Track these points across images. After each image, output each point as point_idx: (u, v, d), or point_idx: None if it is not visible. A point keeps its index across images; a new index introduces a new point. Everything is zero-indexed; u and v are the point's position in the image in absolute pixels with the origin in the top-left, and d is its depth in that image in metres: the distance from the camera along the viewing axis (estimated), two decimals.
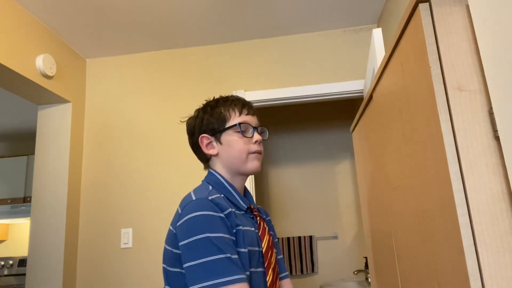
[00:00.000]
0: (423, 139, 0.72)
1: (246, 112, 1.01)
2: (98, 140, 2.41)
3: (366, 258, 2.86)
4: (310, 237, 3.14)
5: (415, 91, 0.74)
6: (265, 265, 0.92)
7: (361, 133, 1.38)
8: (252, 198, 1.07)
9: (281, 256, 1.11)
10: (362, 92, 2.27)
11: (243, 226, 0.90)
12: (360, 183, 1.49)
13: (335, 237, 3.16)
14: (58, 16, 2.06)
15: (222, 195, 0.93)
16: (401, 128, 0.86)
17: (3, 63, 1.79)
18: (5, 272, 3.67)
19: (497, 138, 0.60)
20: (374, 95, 1.11)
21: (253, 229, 0.94)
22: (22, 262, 3.68)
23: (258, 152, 0.99)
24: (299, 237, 3.15)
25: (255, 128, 1.01)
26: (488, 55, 0.59)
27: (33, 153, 3.79)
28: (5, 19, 1.83)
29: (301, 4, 2.09)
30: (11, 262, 3.69)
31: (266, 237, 0.96)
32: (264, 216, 1.10)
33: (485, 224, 0.57)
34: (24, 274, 3.60)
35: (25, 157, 3.65)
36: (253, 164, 0.98)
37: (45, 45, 2.12)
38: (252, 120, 1.02)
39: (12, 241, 3.92)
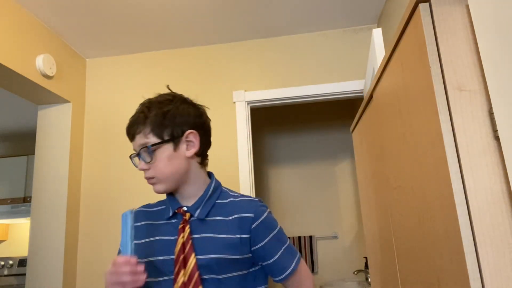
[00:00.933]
0: (423, 139, 0.72)
1: (130, 138, 0.94)
2: (98, 140, 2.41)
3: (366, 258, 2.86)
4: (310, 237, 3.13)
5: (415, 91, 0.74)
6: (174, 272, 0.88)
7: (361, 133, 1.38)
8: (203, 200, 0.95)
9: (267, 262, 0.95)
10: (362, 92, 2.27)
11: (146, 238, 0.96)
12: (360, 183, 1.49)
13: (335, 237, 3.16)
14: (58, 16, 2.06)
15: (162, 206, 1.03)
16: (401, 128, 0.86)
17: (3, 63, 1.79)
18: (5, 272, 3.67)
19: (497, 138, 0.60)
20: (374, 95, 1.11)
21: (169, 237, 0.92)
22: (22, 262, 3.68)
23: (146, 179, 0.93)
24: (299, 237, 3.15)
25: (137, 154, 0.92)
26: (488, 55, 0.59)
27: (33, 153, 3.79)
28: (5, 19, 1.83)
29: (301, 4, 2.09)
30: (11, 262, 3.69)
31: (179, 242, 0.89)
32: (213, 217, 0.95)
33: (485, 224, 0.57)
34: (24, 274, 3.60)
35: (25, 157, 3.65)
36: (153, 188, 0.95)
37: (45, 45, 2.12)
38: (135, 145, 0.93)
39: (12, 241, 3.92)
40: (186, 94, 2.40)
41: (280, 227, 0.99)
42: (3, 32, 1.81)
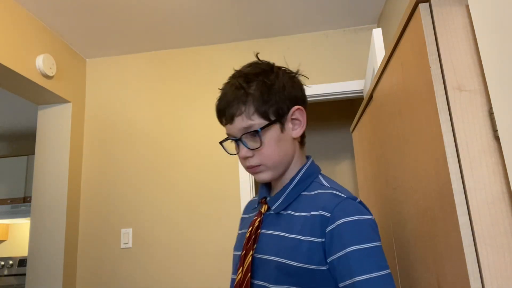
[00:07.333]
0: (423, 139, 0.72)
1: (226, 121, 0.78)
2: (98, 140, 2.41)
3: None
4: None
5: (415, 91, 0.74)
6: (238, 265, 0.78)
7: (361, 133, 1.38)
8: (283, 193, 0.79)
9: (343, 284, 0.69)
10: (362, 92, 2.27)
11: (240, 230, 0.91)
12: (360, 183, 1.49)
13: None
14: (58, 16, 2.06)
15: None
16: (401, 128, 0.86)
17: (3, 63, 1.79)
18: (5, 272, 3.67)
19: (497, 138, 0.60)
20: (374, 95, 1.11)
21: (244, 230, 0.86)
22: (22, 262, 3.69)
23: (248, 168, 0.78)
24: None
25: (238, 139, 0.77)
26: (488, 55, 0.59)
27: (33, 153, 3.79)
28: (5, 19, 1.83)
29: (302, 4, 2.09)
30: (11, 262, 3.70)
31: (246, 237, 0.80)
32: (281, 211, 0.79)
33: (485, 224, 0.57)
34: (24, 274, 3.60)
35: (25, 157, 3.65)
36: (254, 178, 0.83)
37: (45, 45, 2.12)
38: (231, 129, 0.77)
39: (12, 241, 3.92)
40: (186, 94, 2.41)
41: (377, 247, 0.67)
42: (3, 32, 1.81)
